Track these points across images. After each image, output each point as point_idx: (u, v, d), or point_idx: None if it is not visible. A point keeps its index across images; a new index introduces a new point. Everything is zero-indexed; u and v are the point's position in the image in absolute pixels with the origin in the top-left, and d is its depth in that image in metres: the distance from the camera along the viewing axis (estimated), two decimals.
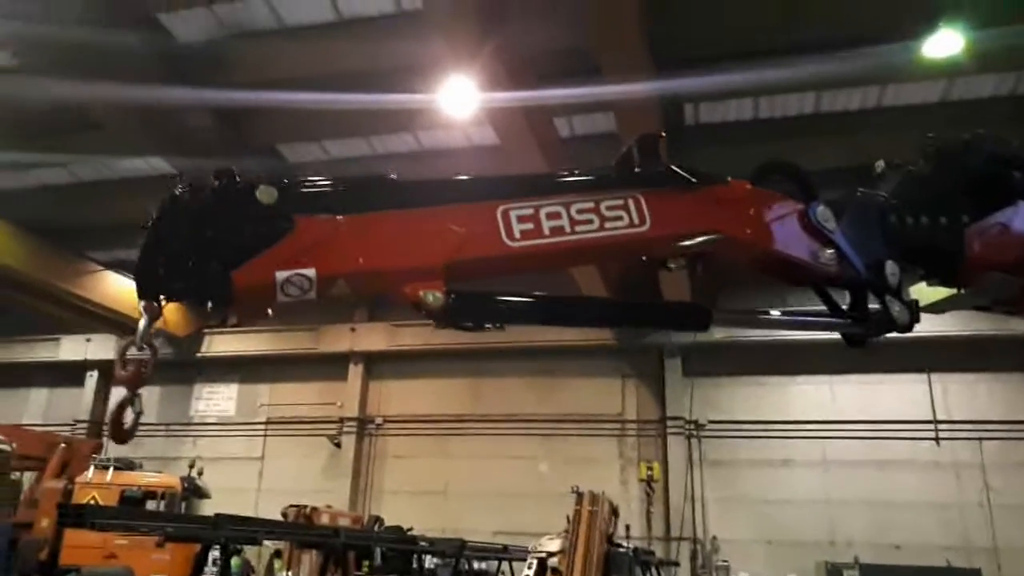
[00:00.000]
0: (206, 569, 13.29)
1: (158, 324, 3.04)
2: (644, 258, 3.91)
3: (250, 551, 13.16)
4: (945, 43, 11.76)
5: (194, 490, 14.90)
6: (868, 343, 4.03)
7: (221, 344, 23.04)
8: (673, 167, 3.80)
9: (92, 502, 13.62)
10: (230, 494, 18.24)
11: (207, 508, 15.05)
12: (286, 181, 3.19)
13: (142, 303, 2.97)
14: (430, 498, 20.49)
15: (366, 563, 11.78)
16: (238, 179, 3.11)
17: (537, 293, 3.70)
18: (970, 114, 13.77)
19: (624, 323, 3.97)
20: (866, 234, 3.90)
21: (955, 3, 11.47)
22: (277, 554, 12.35)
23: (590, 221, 3.47)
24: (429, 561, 13.44)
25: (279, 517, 13.79)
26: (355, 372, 22.50)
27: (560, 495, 17.81)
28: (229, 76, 13.60)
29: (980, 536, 17.29)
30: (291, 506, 12.76)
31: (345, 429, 21.89)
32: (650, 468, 19.14)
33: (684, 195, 3.71)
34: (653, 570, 12.36)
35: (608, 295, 14.81)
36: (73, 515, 5.17)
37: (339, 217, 3.20)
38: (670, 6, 11.90)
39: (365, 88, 13.37)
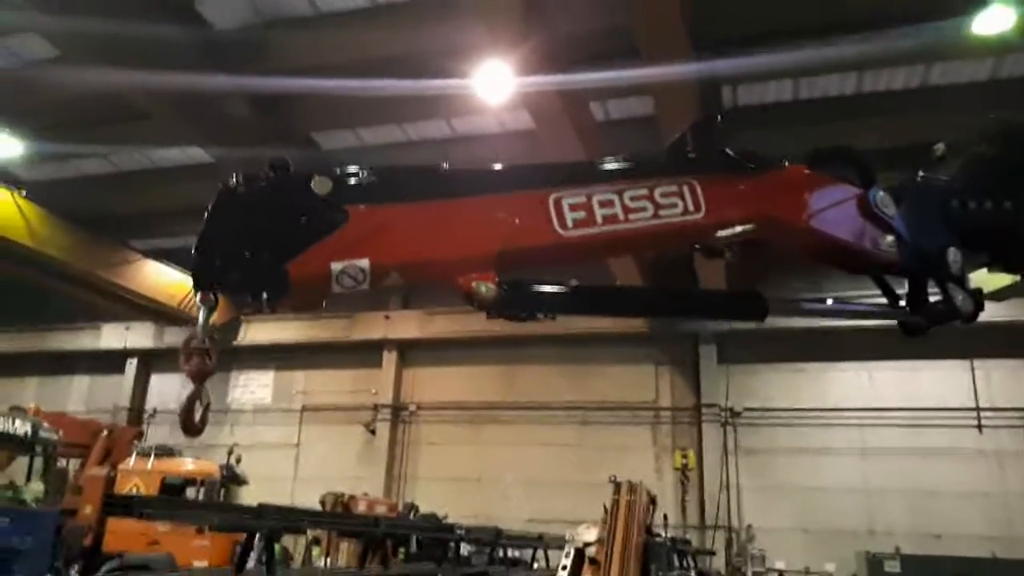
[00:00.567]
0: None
1: (195, 312, 3.02)
2: (697, 246, 3.82)
3: (288, 538, 13.32)
4: (995, 19, 11.41)
5: (232, 477, 15.06)
6: (927, 333, 3.91)
7: (257, 332, 23.29)
8: (727, 151, 3.70)
9: (134, 489, 13.86)
10: (267, 481, 18.46)
11: (245, 495, 15.25)
12: (339, 171, 3.13)
13: (199, 295, 2.97)
14: (464, 485, 20.57)
15: (402, 550, 11.87)
16: (292, 170, 3.09)
17: (581, 283, 3.63)
18: (1021, 93, 13.36)
19: (679, 313, 3.90)
20: (927, 220, 3.77)
21: None
22: (315, 541, 12.48)
23: (644, 208, 3.39)
24: (464, 548, 13.48)
25: (316, 504, 13.94)
26: (389, 359, 22.65)
27: (594, 483, 17.79)
28: (265, 64, 13.65)
29: None
30: (329, 494, 12.88)
31: (379, 416, 22.06)
32: (685, 456, 19.01)
33: (739, 181, 3.61)
34: (690, 559, 12.27)
35: (643, 283, 14.70)
36: (120, 505, 5.21)
37: (392, 207, 3.17)
38: None
39: (399, 74, 13.36)
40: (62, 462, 14.62)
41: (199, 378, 3.06)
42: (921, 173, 4.03)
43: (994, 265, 4.12)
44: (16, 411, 11.86)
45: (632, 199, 3.39)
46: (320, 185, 3.02)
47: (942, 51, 12.93)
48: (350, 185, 3.11)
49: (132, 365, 24.88)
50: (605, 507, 9.06)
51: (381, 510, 13.86)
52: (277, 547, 11.65)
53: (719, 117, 4.24)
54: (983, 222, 3.89)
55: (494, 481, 20.60)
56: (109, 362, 24.88)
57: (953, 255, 3.70)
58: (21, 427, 9.55)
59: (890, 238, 3.64)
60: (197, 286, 2.95)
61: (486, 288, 3.16)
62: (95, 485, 14.27)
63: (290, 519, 7.17)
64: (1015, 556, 15.99)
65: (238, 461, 15.72)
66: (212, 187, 3.01)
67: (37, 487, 9.57)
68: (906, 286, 3.87)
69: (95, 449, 15.74)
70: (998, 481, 17.44)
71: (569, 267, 3.52)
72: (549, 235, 3.29)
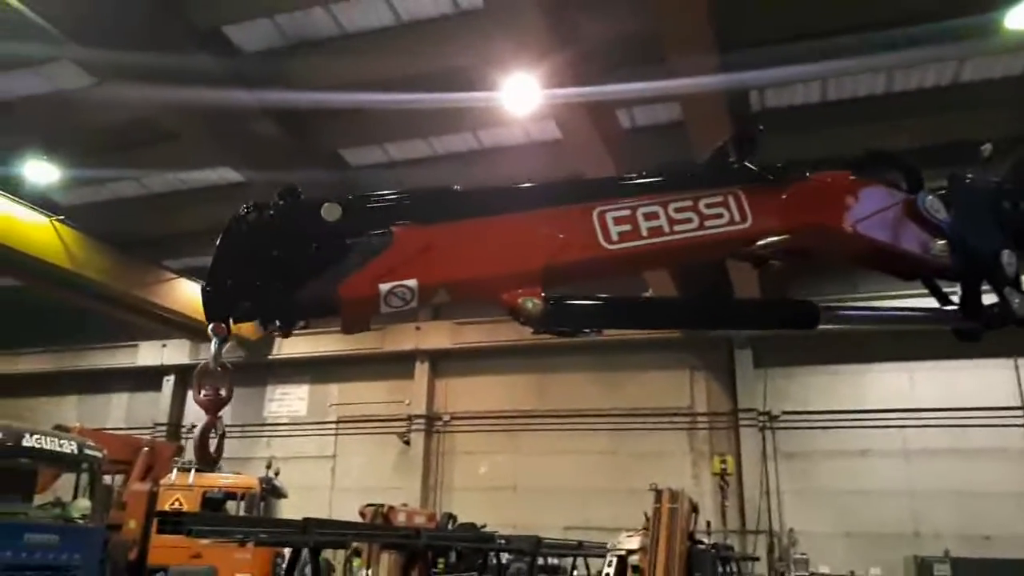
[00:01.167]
0: (282, 570, 13.68)
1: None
2: (742, 256, 3.79)
3: (328, 549, 13.40)
4: None
5: (272, 490, 15.20)
6: (981, 337, 3.84)
7: (291, 346, 23.52)
8: (748, 165, 3.66)
9: (177, 504, 14.06)
10: (305, 492, 18.64)
11: (284, 507, 15.40)
12: (350, 197, 3.12)
13: (211, 326, 2.98)
14: (500, 494, 20.58)
15: (441, 560, 11.89)
16: (302, 196, 3.11)
17: (625, 297, 3.63)
18: None
19: (728, 325, 3.88)
20: (979, 222, 3.71)
21: None
22: (356, 553, 12.55)
23: (689, 220, 3.38)
24: (503, 557, 13.47)
25: (354, 514, 14.01)
26: (421, 370, 22.75)
27: (630, 490, 17.77)
28: (293, 84, 13.83)
29: None
30: (368, 505, 12.94)
31: (413, 427, 22.16)
32: (723, 461, 18.83)
33: (785, 188, 3.59)
34: (733, 565, 12.15)
35: (678, 293, 14.61)
36: (172, 523, 5.31)
37: (436, 226, 3.20)
38: None
39: (426, 90, 13.45)
40: (106, 478, 14.90)
41: (213, 409, 3.05)
42: (970, 175, 3.96)
43: None
44: (61, 430, 12.12)
45: (677, 211, 3.38)
46: (330, 212, 3.05)
47: (974, 47, 12.73)
48: (361, 210, 3.11)
49: (169, 382, 25.26)
50: (646, 515, 9.01)
51: (420, 520, 13.89)
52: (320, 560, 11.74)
53: (761, 127, 4.21)
54: None
55: (530, 490, 20.58)
56: (146, 379, 25.29)
57: (1007, 257, 3.64)
58: (68, 445, 9.79)
59: (941, 242, 3.58)
60: (209, 317, 2.98)
61: (532, 304, 3.17)
62: (139, 501, 14.54)
63: (334, 533, 7.23)
64: None
65: (276, 474, 15.86)
66: (241, 204, 3.03)
67: (84, 504, 9.79)
68: (958, 289, 3.82)
69: (137, 465, 15.95)
70: None
71: (600, 280, 3.55)
72: (594, 249, 3.29)
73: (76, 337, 25.61)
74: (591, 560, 13.92)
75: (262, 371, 24.41)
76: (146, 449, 16.60)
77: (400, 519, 13.04)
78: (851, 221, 3.53)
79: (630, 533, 9.12)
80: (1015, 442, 17.34)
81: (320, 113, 15.47)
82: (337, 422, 23.44)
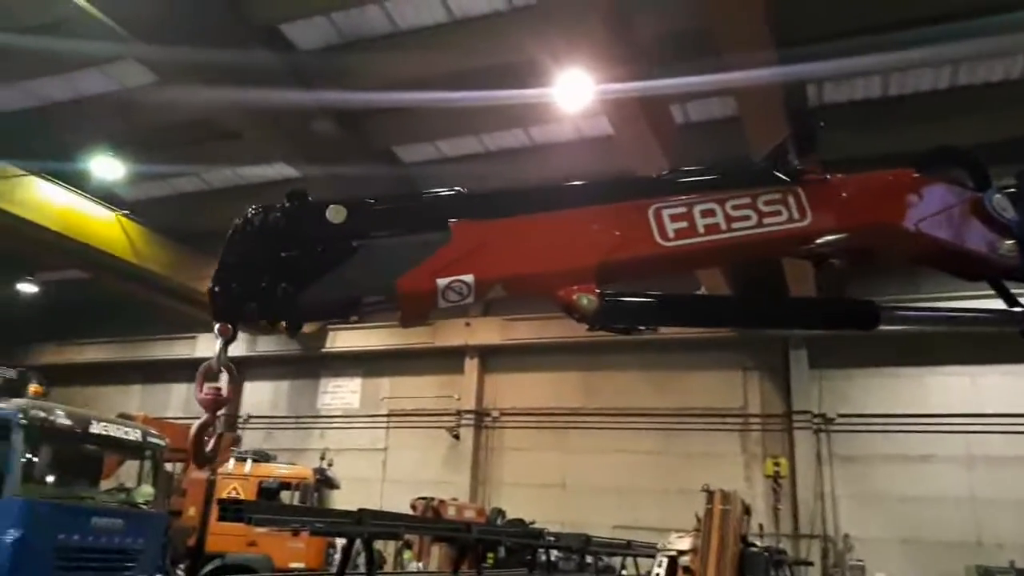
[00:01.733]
0: (334, 560, 13.93)
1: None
2: (801, 255, 3.74)
3: (379, 541, 13.60)
4: None
5: (325, 481, 15.50)
6: None
7: (344, 340, 23.93)
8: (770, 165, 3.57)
9: (234, 492, 14.43)
10: (357, 484, 18.94)
11: (337, 498, 15.68)
12: (355, 201, 3.12)
13: (217, 326, 3.02)
14: (548, 491, 20.60)
15: (490, 555, 11.97)
16: (310, 200, 3.10)
17: (682, 294, 3.60)
18: None
19: (784, 324, 3.83)
20: None
21: None
22: (407, 545, 12.73)
23: (747, 217, 3.35)
24: (552, 554, 13.50)
25: (404, 507, 14.22)
26: (471, 365, 22.90)
27: (681, 491, 17.62)
28: (349, 81, 14.03)
29: None
30: (419, 498, 13.12)
31: (463, 421, 22.32)
32: (776, 464, 18.50)
33: (846, 186, 3.53)
34: (787, 569, 11.96)
35: (731, 292, 14.42)
36: (232, 510, 5.48)
37: (493, 222, 3.23)
38: None
39: (478, 87, 13.51)
40: (167, 466, 15.37)
41: (212, 408, 3.08)
42: None
43: None
44: (125, 418, 12.54)
45: (735, 208, 3.35)
46: (335, 214, 3.09)
47: None
48: (366, 214, 3.12)
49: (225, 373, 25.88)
50: (698, 516, 8.92)
51: (470, 515, 14.03)
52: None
53: (821, 124, 4.14)
54: None
55: (579, 488, 20.55)
56: None
57: None
58: (132, 433, 10.12)
59: (1009, 242, 3.48)
60: (216, 318, 3.03)
61: (587, 300, 3.19)
62: (198, 488, 14.97)
63: (388, 525, 7.35)
64: None
65: (330, 465, 16.17)
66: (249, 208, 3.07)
67: (147, 490, 10.10)
68: None
69: None
70: None
71: (651, 279, 3.53)
72: (650, 246, 3.29)
73: (139, 329, 26.45)
74: (640, 560, 13.86)
75: (316, 364, 24.90)
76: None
77: (450, 513, 13.20)
78: (914, 220, 3.45)
79: (681, 534, 9.04)
80: None
81: (374, 110, 15.69)
82: (388, 415, 23.75)
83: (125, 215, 19.26)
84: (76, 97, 16.33)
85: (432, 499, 13.08)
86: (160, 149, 17.62)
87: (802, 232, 3.38)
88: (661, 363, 20.37)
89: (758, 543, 10.18)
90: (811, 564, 16.64)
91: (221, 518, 5.51)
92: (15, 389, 10.99)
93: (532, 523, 14.33)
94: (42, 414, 8.73)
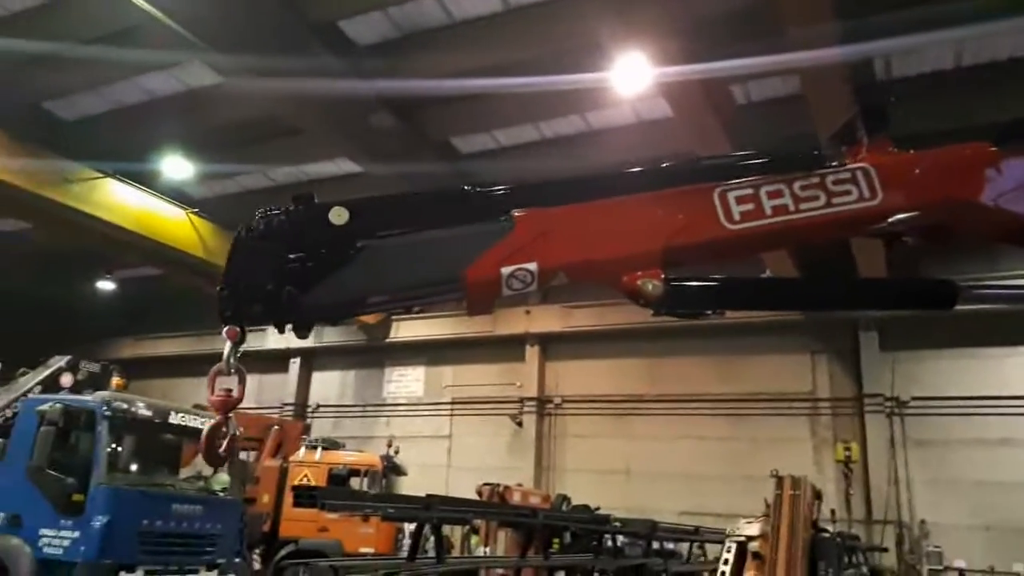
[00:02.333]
0: (403, 545, 14.20)
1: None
2: (872, 234, 3.65)
3: (446, 526, 13.81)
4: None
5: (393, 467, 15.81)
6: None
7: (408, 330, 24.30)
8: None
9: (305, 479, 14.85)
10: (423, 470, 19.26)
11: (404, 484, 15.98)
12: (358, 203, 3.16)
13: (225, 329, 3.08)
14: (612, 477, 20.57)
15: (556, 541, 12.02)
16: (314, 202, 3.15)
17: (750, 277, 3.56)
18: None
19: (856, 306, 3.76)
20: None
21: None
22: (473, 530, 12.89)
23: (815, 198, 3.30)
24: (619, 540, 13.48)
25: (469, 493, 14.37)
26: (532, 353, 22.98)
27: (748, 477, 17.36)
28: (406, 73, 14.15)
29: None
30: (484, 484, 13.25)
31: (525, 409, 22.44)
32: (847, 448, 18.06)
33: (918, 161, 3.43)
34: (860, 556, 11.69)
35: (798, 273, 14.13)
36: (306, 496, 5.65)
37: (555, 210, 3.25)
38: None
39: (535, 74, 13.47)
40: (241, 454, 15.89)
41: (223, 409, 3.14)
42: None
43: None
44: (201, 409, 12.99)
45: (803, 188, 3.30)
46: (337, 216, 3.11)
47: None
48: (366, 215, 3.15)
49: (295, 364, 26.60)
50: (766, 501, 8.80)
51: (535, 501, 14.12)
52: None
53: (892, 98, 4.01)
54: None
55: (643, 474, 20.47)
56: (274, 362, 26.64)
57: None
58: (208, 423, 10.51)
59: None
60: (224, 321, 3.09)
61: (652, 285, 3.18)
62: (271, 476, 15.45)
63: (456, 510, 7.48)
64: None
65: (396, 452, 16.48)
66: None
67: (224, 478, 10.46)
68: None
69: (268, 442, 16.91)
70: None
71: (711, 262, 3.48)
72: (716, 229, 3.27)
73: (209, 322, 27.17)
74: (708, 546, 13.74)
75: (380, 353, 25.36)
76: (276, 427, 17.58)
77: (515, 499, 13.29)
78: (992, 195, 3.33)
79: (749, 520, 8.93)
80: None
81: (431, 102, 15.79)
82: (452, 403, 24.04)
83: (195, 213, 19.90)
84: (145, 99, 16.91)
85: (498, 485, 13.19)
86: (226, 148, 18.11)
87: (873, 211, 3.31)
88: (726, 348, 20.07)
89: (830, 529, 9.98)
90: (885, 550, 16.22)
91: (296, 504, 5.72)
92: (98, 382, 11.53)
93: (597, 509, 14.32)
94: (125, 406, 9.15)
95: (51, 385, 11.13)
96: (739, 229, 3.26)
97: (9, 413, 10.43)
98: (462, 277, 3.07)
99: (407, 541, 13.92)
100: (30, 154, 16.25)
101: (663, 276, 3.19)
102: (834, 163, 3.44)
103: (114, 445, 9.24)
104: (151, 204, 18.82)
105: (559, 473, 21.75)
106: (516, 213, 3.18)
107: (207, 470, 10.84)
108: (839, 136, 3.65)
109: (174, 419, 9.85)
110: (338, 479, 14.81)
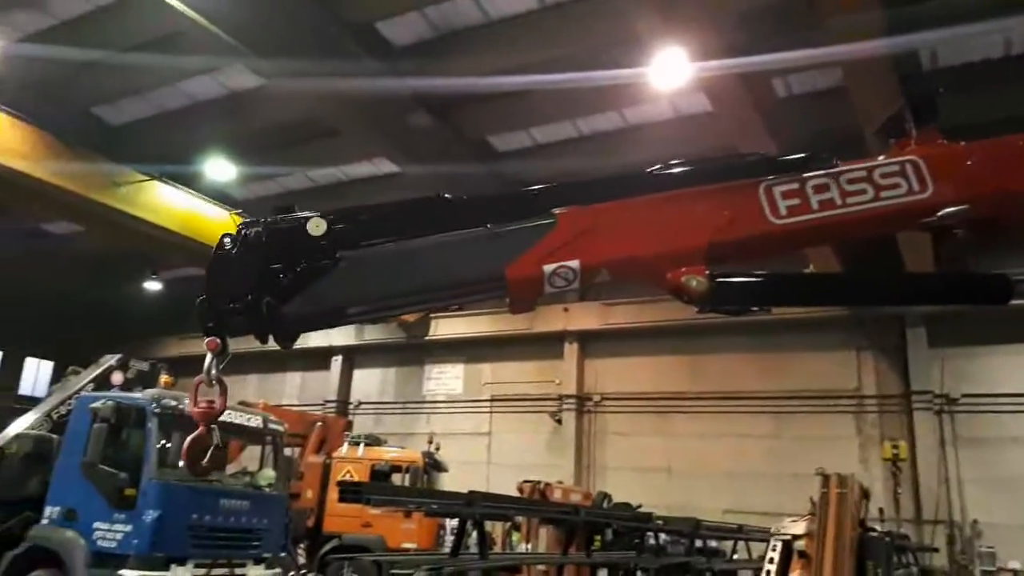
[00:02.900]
0: (444, 540, 14.31)
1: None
2: (921, 227, 3.57)
3: (487, 523, 13.86)
4: None
5: (434, 464, 15.93)
6: None
7: (446, 327, 24.44)
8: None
9: (348, 475, 15.05)
10: (463, 467, 19.33)
11: (445, 481, 16.08)
12: (331, 215, 3.18)
13: (207, 340, 3.10)
14: (653, 475, 20.44)
15: (598, 538, 11.99)
16: (293, 214, 3.19)
17: (792, 272, 3.51)
18: None
19: (906, 301, 3.66)
20: None
21: None
22: (515, 527, 12.93)
23: (863, 191, 3.25)
24: (661, 538, 13.40)
25: (509, 490, 14.39)
26: (570, 351, 22.93)
27: (792, 475, 17.12)
28: (443, 73, 14.22)
29: None
30: (525, 481, 13.28)
31: (564, 406, 22.40)
32: (895, 447, 17.68)
33: (970, 153, 3.35)
34: (910, 555, 11.46)
35: (842, 268, 13.87)
36: (351, 492, 5.74)
37: (597, 207, 3.25)
38: None
39: (572, 71, 13.43)
40: (285, 450, 16.16)
41: (205, 420, 3.17)
42: None
43: None
44: (246, 406, 13.25)
45: (850, 182, 3.26)
46: (315, 227, 3.12)
47: None
48: (340, 228, 3.15)
49: (336, 361, 26.93)
50: (812, 500, 8.66)
51: (576, 498, 14.09)
52: None
53: (940, 89, 3.92)
54: None
55: (685, 472, 20.30)
56: (316, 359, 27.04)
57: None
58: (254, 420, 10.69)
59: None
60: (205, 332, 3.11)
61: (697, 282, 3.17)
62: (315, 472, 15.69)
63: (498, 507, 7.52)
64: None
65: (437, 449, 16.59)
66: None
67: (269, 473, 10.63)
68: None
69: (311, 439, 17.18)
70: None
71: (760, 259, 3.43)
72: (761, 224, 3.24)
73: None
74: (752, 544, 13.59)
75: (420, 351, 25.55)
76: (319, 424, 17.86)
77: (556, 496, 13.30)
78: None
79: (794, 518, 8.79)
80: None
81: (468, 101, 15.86)
82: (491, 400, 24.10)
83: (238, 214, 20.23)
84: (189, 103, 17.27)
85: (538, 482, 13.21)
86: (267, 149, 18.40)
87: (923, 204, 3.25)
88: (769, 344, 19.80)
89: (878, 528, 9.79)
90: (936, 550, 15.86)
91: (341, 499, 5.79)
92: (147, 380, 11.81)
93: (638, 507, 14.27)
94: (173, 403, 9.34)
95: (103, 383, 11.40)
96: (785, 224, 3.23)
97: (63, 410, 10.72)
98: (503, 275, 3.09)
99: (448, 537, 14.07)
100: (80, 159, 16.69)
101: (707, 272, 3.17)
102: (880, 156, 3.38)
103: (163, 441, 9.44)
104: (195, 206, 19.19)
105: (599, 471, 21.69)
106: (558, 211, 3.19)
107: (253, 466, 11.04)
108: (885, 129, 3.59)
109: (221, 416, 10.01)
110: (380, 475, 14.97)
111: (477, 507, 6.50)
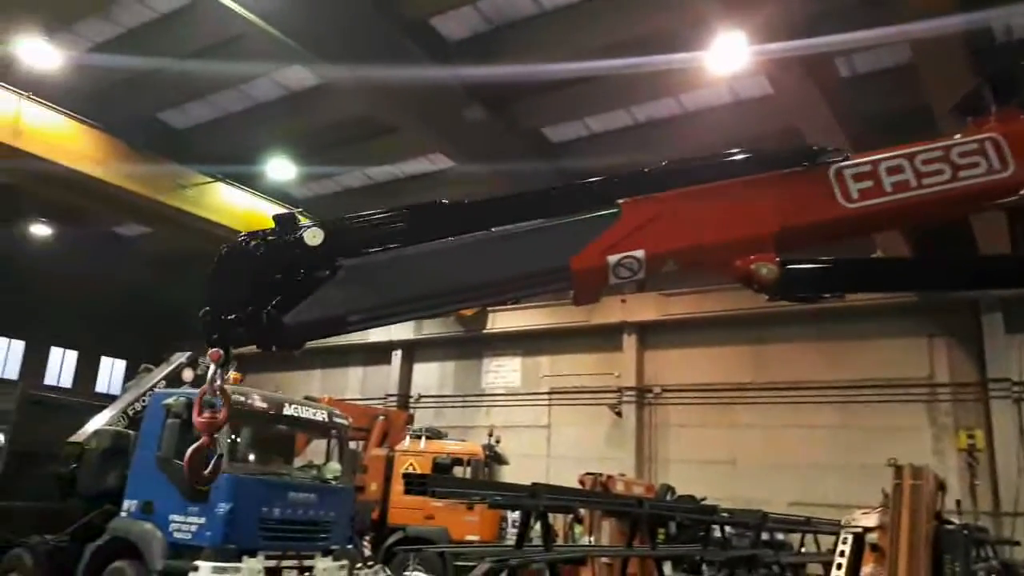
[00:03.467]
0: (506, 533, 14.36)
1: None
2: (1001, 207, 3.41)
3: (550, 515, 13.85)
4: None
5: (494, 456, 15.99)
6: None
7: (503, 320, 24.49)
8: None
9: (410, 468, 15.21)
10: (523, 460, 19.37)
11: (505, 473, 16.14)
12: (331, 224, 3.22)
13: (210, 351, 3.10)
14: (717, 467, 20.14)
15: (661, 531, 11.88)
16: (292, 225, 3.20)
17: (866, 258, 3.39)
18: None
19: (984, 284, 3.48)
20: None
21: None
22: (577, 520, 12.89)
23: (940, 172, 3.12)
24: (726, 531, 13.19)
25: (569, 482, 14.33)
26: (629, 342, 22.74)
27: (862, 466, 16.67)
28: (498, 65, 14.21)
29: None
30: (587, 474, 13.22)
31: (624, 398, 22.24)
32: (971, 436, 17.03)
33: None
34: (989, 549, 11.03)
35: (911, 252, 13.38)
36: (417, 485, 5.80)
37: (662, 196, 3.19)
38: None
39: (626, 58, 13.28)
40: (351, 444, 16.45)
41: (209, 431, 3.17)
42: None
43: None
44: (310, 400, 13.51)
45: (925, 162, 3.13)
46: (312, 237, 3.09)
47: None
48: (339, 238, 3.18)
49: (397, 356, 27.28)
50: (885, 491, 8.40)
51: (638, 491, 13.98)
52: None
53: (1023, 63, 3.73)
54: None
55: (749, 464, 19.95)
56: (377, 354, 27.43)
57: None
58: (319, 414, 10.89)
59: None
60: (209, 344, 3.11)
61: (767, 269, 3.09)
62: (378, 465, 15.93)
63: (562, 499, 7.51)
64: None
65: (497, 442, 16.64)
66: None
67: (335, 466, 10.81)
68: None
69: (374, 432, 17.44)
70: None
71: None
72: (833, 209, 3.15)
73: None
74: (820, 537, 13.28)
75: (478, 344, 25.68)
76: (381, 417, 18.11)
77: (618, 488, 13.20)
78: None
79: (866, 510, 8.55)
80: None
81: (522, 93, 15.82)
82: (549, 393, 24.08)
83: (299, 212, 20.62)
84: (250, 105, 17.67)
85: (600, 475, 13.14)
86: (326, 148, 18.72)
87: (1004, 184, 3.11)
88: (835, 332, 19.26)
89: (955, 520, 9.45)
90: (1016, 544, 15.21)
91: (407, 491, 5.85)
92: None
93: (703, 500, 14.08)
94: (242, 398, 9.55)
95: (174, 380, 11.75)
96: (857, 208, 3.13)
97: (138, 407, 11.10)
98: (567, 267, 3.06)
99: (510, 530, 14.12)
100: (148, 162, 17.28)
101: (777, 259, 3.09)
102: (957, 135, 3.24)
103: (233, 436, 9.68)
104: (257, 205, 19.66)
105: (661, 464, 21.48)
106: (623, 201, 3.15)
107: (319, 459, 11.25)
108: (962, 106, 3.44)
109: (288, 410, 10.24)
110: (442, 468, 15.08)
111: (541, 499, 6.50)
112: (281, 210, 19.49)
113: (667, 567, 9.38)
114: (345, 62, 13.27)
